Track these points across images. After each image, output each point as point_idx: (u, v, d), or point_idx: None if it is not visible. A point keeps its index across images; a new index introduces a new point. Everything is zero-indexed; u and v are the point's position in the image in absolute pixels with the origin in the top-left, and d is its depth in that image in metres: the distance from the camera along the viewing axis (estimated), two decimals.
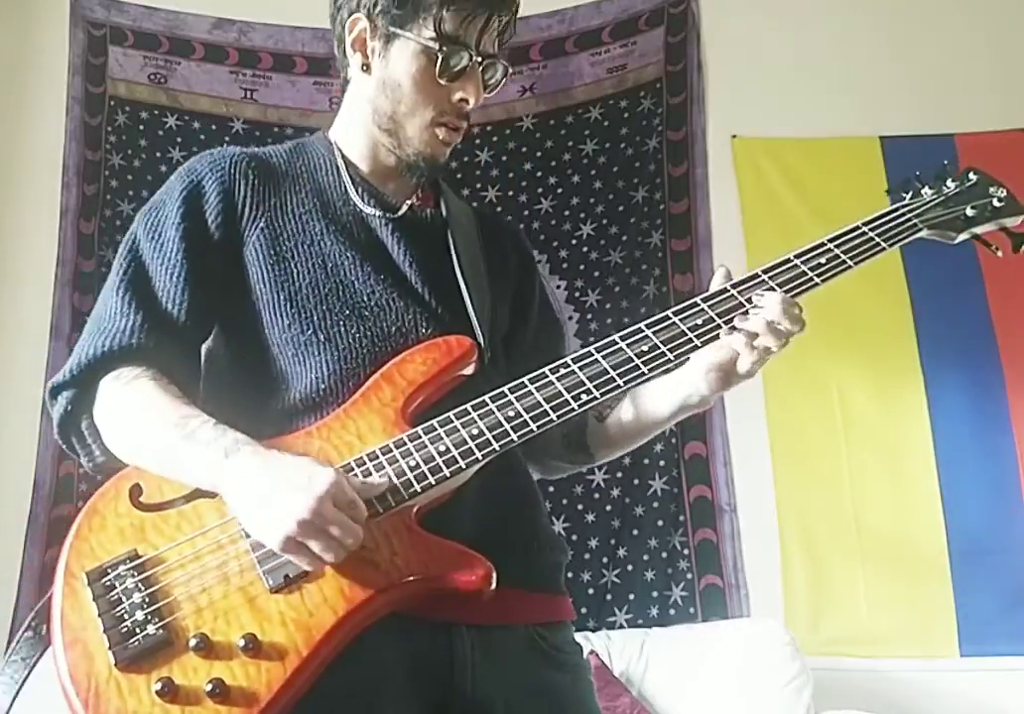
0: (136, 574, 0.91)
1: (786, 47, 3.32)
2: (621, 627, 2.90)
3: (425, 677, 0.97)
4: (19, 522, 3.01)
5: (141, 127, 3.36)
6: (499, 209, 3.26)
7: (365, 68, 1.13)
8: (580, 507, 3.03)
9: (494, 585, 0.92)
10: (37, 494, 3.04)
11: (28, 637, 0.97)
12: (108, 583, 0.91)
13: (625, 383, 1.00)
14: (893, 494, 2.92)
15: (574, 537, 3.01)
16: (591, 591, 2.96)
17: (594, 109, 3.35)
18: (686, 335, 1.02)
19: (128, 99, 3.38)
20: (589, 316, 3.21)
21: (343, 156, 1.17)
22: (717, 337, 1.03)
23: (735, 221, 3.20)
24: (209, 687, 0.83)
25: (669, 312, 1.04)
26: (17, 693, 0.98)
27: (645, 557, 2.98)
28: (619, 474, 3.01)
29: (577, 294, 3.23)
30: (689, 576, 2.94)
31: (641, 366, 1.00)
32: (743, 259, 3.15)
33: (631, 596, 2.95)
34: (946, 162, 1.25)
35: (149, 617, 0.88)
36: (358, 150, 1.17)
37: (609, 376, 1.00)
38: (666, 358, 1.01)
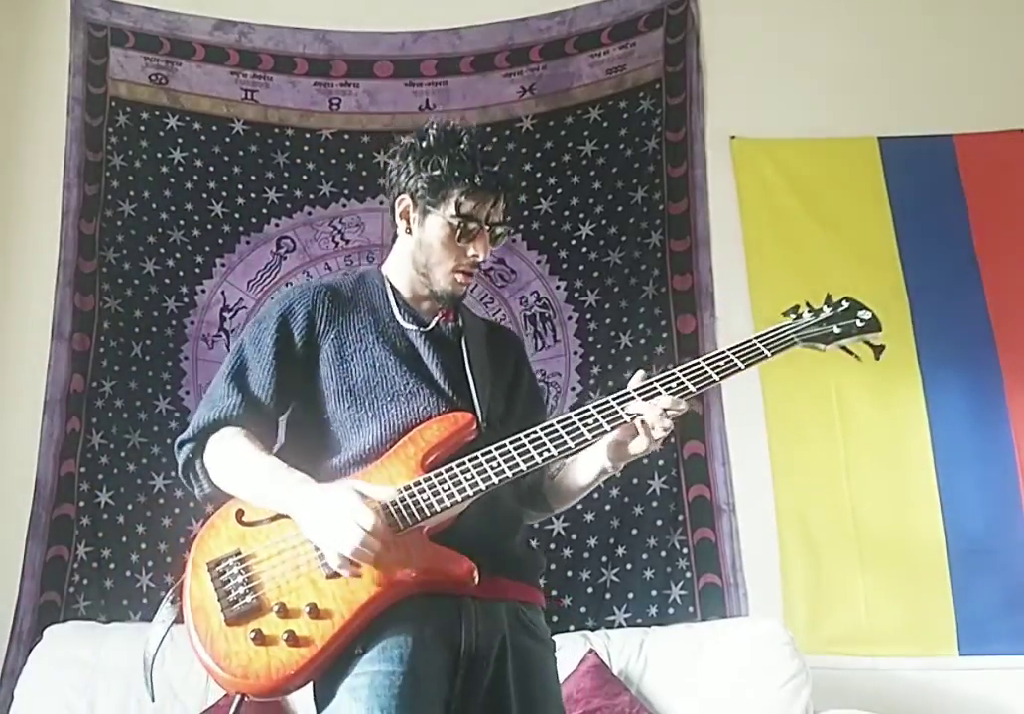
0: (240, 564, 1.36)
1: (785, 48, 3.33)
2: (620, 626, 2.90)
3: (445, 633, 1.37)
4: (20, 521, 3.03)
5: (142, 128, 3.37)
6: None
7: (407, 231, 1.58)
8: (579, 506, 3.02)
9: (477, 579, 1.33)
10: (38, 493, 3.06)
11: (167, 606, 1.40)
12: (221, 570, 1.36)
13: (576, 445, 1.40)
14: (892, 493, 2.92)
15: (573, 536, 3.02)
16: (590, 590, 2.97)
17: (593, 110, 3.36)
18: (618, 413, 1.41)
19: (129, 100, 3.40)
20: (588, 316, 3.22)
21: (392, 286, 1.62)
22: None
23: (734, 221, 3.21)
24: (284, 635, 1.28)
25: (609, 398, 1.43)
26: (160, 643, 1.40)
27: (644, 556, 2.99)
28: (618, 473, 3.00)
29: (577, 294, 3.24)
30: (688, 575, 2.95)
31: (586, 434, 1.40)
32: (741, 259, 3.17)
33: (630, 595, 2.96)
34: (829, 291, 1.56)
35: (247, 591, 1.33)
36: (402, 282, 1.62)
37: (562, 440, 1.40)
38: (604, 429, 1.40)
